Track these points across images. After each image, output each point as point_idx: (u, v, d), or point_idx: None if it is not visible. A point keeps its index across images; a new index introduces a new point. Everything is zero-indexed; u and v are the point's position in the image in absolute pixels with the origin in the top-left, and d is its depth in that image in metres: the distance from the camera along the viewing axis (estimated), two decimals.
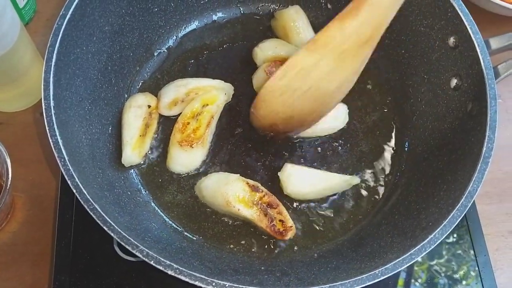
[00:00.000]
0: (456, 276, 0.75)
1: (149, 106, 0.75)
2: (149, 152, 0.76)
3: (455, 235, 0.77)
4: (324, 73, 0.61)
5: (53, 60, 0.62)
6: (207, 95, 0.75)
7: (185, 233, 0.70)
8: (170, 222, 0.71)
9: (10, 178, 0.66)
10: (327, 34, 0.60)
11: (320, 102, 0.65)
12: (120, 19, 0.75)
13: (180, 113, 0.76)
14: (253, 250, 0.70)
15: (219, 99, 0.76)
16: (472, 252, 0.76)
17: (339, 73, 0.62)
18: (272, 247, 0.70)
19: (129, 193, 0.70)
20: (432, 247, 0.56)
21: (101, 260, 0.70)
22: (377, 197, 0.75)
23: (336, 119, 0.76)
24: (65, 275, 0.69)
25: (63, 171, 0.56)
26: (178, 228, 0.71)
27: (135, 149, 0.72)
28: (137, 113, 0.74)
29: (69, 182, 0.56)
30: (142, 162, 0.74)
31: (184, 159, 0.73)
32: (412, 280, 0.74)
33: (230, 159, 0.76)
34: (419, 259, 0.72)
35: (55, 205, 0.75)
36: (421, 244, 0.56)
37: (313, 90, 0.63)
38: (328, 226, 0.72)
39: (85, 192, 0.55)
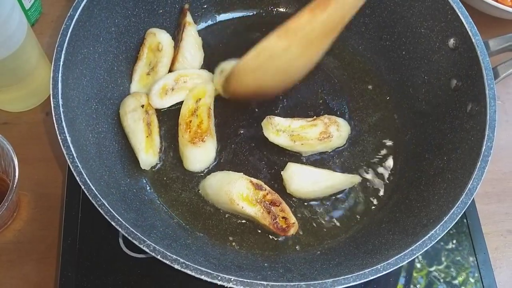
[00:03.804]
0: (455, 282, 0.75)
1: (143, 106, 0.76)
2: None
3: (454, 241, 0.77)
4: (292, 57, 0.68)
5: (62, 59, 0.63)
6: (196, 90, 0.77)
7: (190, 230, 0.71)
8: (175, 220, 0.72)
9: (17, 177, 0.67)
10: (297, 23, 0.65)
11: (287, 77, 0.73)
12: (126, 20, 0.77)
13: (173, 105, 0.78)
14: (256, 247, 0.70)
15: (208, 89, 0.78)
16: (471, 258, 0.76)
17: (305, 57, 0.69)
18: (275, 244, 0.71)
19: (134, 190, 0.71)
20: (433, 243, 0.57)
21: (107, 257, 0.71)
22: (378, 195, 0.76)
23: (339, 138, 0.77)
24: (71, 272, 0.69)
25: (71, 167, 0.57)
26: (183, 225, 0.71)
27: (148, 151, 0.73)
28: (134, 117, 0.74)
29: (77, 178, 0.57)
30: (159, 158, 0.76)
31: (201, 155, 0.74)
32: (411, 286, 0.74)
33: (233, 158, 0.77)
34: (418, 264, 0.74)
35: (61, 203, 0.76)
36: (422, 240, 0.57)
37: (282, 70, 0.70)
38: (330, 224, 0.73)
39: (93, 188, 0.56)
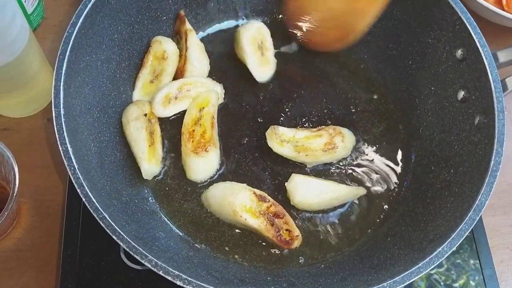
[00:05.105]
0: (456, 285, 0.74)
1: (145, 115, 0.75)
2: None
3: None
4: None
5: (64, 68, 0.62)
6: (200, 99, 0.76)
7: (192, 242, 0.70)
8: (177, 231, 0.71)
9: (17, 185, 0.66)
10: None
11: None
12: (129, 27, 0.76)
13: (177, 114, 0.77)
14: (259, 260, 0.70)
15: (212, 99, 0.77)
16: (471, 261, 0.76)
17: None
18: (278, 257, 0.70)
19: (136, 201, 0.70)
20: (441, 260, 0.56)
21: (108, 268, 0.70)
22: (384, 208, 0.75)
23: (344, 149, 0.76)
24: (71, 283, 0.68)
25: (73, 180, 0.56)
26: (185, 237, 0.71)
27: (150, 160, 0.72)
28: (137, 126, 0.73)
29: (78, 191, 0.56)
30: (161, 167, 0.75)
31: (204, 165, 0.74)
32: None
33: (237, 168, 0.76)
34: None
35: (61, 211, 0.75)
36: (429, 257, 0.56)
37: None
38: (334, 236, 0.72)
39: (95, 201, 0.55)
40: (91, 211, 0.55)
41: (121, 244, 0.54)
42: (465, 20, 0.71)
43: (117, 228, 0.54)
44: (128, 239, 0.54)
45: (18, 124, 0.82)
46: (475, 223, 0.58)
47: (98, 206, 0.55)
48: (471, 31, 0.70)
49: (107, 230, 0.54)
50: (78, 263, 0.69)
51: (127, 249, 0.53)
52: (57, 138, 0.59)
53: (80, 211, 0.73)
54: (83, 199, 0.56)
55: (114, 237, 0.54)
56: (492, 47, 0.71)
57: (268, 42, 0.84)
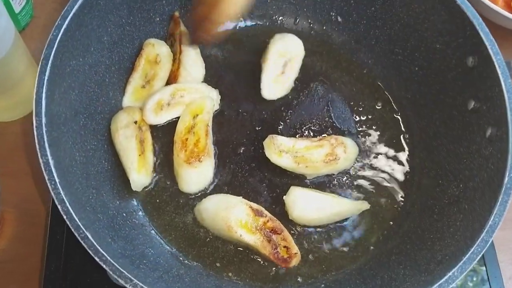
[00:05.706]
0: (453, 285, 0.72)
1: (136, 122, 0.71)
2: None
3: None
4: None
5: (47, 74, 0.58)
6: (194, 106, 0.73)
7: (183, 259, 0.67)
8: (168, 247, 0.67)
9: None
10: None
11: None
12: (119, 29, 0.72)
13: (169, 121, 0.74)
14: (254, 278, 0.66)
15: (207, 105, 0.73)
16: None
17: None
18: (275, 275, 0.67)
19: (124, 214, 0.67)
20: (451, 286, 0.52)
21: (93, 286, 0.66)
22: (388, 223, 0.72)
23: (346, 160, 0.73)
24: None
25: (53, 195, 0.53)
26: (175, 253, 0.67)
27: (140, 171, 0.69)
28: (127, 134, 0.70)
29: (59, 207, 0.52)
30: (152, 178, 0.71)
31: (197, 176, 0.70)
32: None
33: (232, 180, 0.72)
34: None
35: (46, 221, 0.72)
36: (439, 283, 0.52)
37: None
38: (335, 254, 0.69)
39: (76, 219, 0.52)
40: (72, 229, 0.51)
41: (104, 266, 0.50)
42: (476, 26, 0.67)
43: (100, 249, 0.50)
44: (112, 261, 0.50)
45: (4, 128, 0.79)
46: (488, 245, 0.55)
47: (80, 224, 0.51)
48: (483, 37, 0.66)
49: (89, 251, 0.50)
50: (62, 281, 0.66)
51: (111, 272, 0.50)
52: (38, 149, 0.55)
53: (65, 224, 0.68)
54: (64, 217, 0.52)
55: (96, 258, 0.50)
56: (504, 53, 0.67)
57: (296, 63, 0.80)
